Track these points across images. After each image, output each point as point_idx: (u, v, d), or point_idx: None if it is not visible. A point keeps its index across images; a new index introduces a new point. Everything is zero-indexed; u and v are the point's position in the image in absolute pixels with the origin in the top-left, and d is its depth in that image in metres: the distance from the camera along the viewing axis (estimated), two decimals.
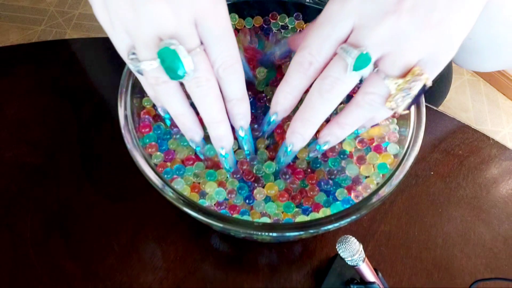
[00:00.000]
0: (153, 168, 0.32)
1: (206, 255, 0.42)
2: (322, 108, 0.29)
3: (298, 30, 0.41)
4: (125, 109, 0.34)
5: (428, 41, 0.26)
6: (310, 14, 0.41)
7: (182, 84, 0.29)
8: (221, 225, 0.29)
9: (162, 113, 0.33)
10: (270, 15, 0.41)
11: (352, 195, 0.34)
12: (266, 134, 0.35)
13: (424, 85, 0.27)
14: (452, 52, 0.27)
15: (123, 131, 0.33)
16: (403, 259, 0.43)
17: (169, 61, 0.26)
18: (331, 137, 0.31)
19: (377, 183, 0.34)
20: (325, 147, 0.32)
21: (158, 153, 0.36)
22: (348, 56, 0.26)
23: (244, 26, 0.41)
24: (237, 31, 0.41)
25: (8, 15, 1.62)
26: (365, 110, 0.28)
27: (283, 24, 0.41)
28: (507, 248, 0.44)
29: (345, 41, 0.27)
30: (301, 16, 0.41)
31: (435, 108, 0.52)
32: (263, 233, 0.29)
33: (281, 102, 0.30)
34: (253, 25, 0.41)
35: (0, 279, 0.40)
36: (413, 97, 0.27)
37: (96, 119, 0.50)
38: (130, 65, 0.28)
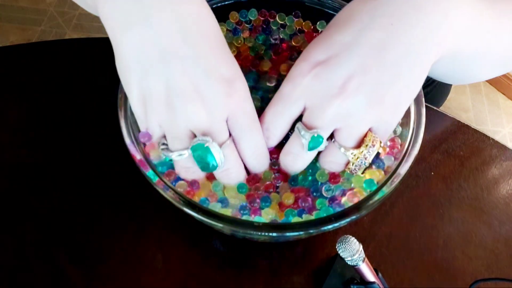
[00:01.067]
0: (154, 168, 0.31)
1: (207, 257, 0.42)
2: (292, 172, 0.32)
3: (297, 29, 0.41)
4: (125, 109, 0.34)
5: (376, 114, 0.28)
6: (310, 13, 0.41)
7: None
8: (221, 225, 0.29)
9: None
10: (268, 14, 0.41)
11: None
12: None
13: (378, 152, 0.30)
14: (400, 115, 0.30)
15: (123, 131, 0.33)
16: (404, 260, 0.43)
17: (202, 156, 0.28)
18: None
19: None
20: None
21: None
22: (302, 138, 0.29)
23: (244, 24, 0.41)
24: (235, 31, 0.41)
25: (7, 15, 1.62)
26: (332, 168, 0.32)
27: (282, 23, 0.41)
28: (509, 250, 0.44)
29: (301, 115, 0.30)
30: (300, 14, 0.41)
31: (435, 108, 0.52)
32: (263, 233, 0.29)
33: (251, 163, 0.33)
34: (252, 24, 0.41)
35: (0, 282, 0.40)
36: (369, 163, 0.30)
37: (96, 120, 0.50)
38: (160, 153, 0.31)
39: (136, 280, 0.41)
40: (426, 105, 0.35)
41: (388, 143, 0.36)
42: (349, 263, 0.34)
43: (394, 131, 0.36)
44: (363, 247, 0.34)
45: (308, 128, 0.29)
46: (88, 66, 0.54)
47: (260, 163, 0.32)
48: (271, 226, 0.30)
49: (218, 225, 0.29)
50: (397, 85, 0.28)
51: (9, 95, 0.51)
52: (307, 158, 0.31)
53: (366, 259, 0.34)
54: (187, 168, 0.30)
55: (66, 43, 0.56)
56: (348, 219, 0.30)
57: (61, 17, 1.62)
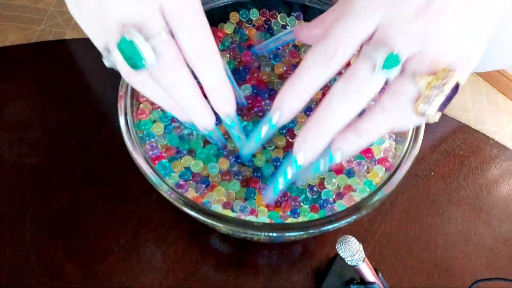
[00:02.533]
0: (153, 168, 0.31)
1: (206, 256, 0.42)
2: (345, 112, 0.25)
3: None
4: (125, 109, 0.34)
5: (458, 44, 0.24)
6: (312, 14, 0.41)
7: None
8: (220, 225, 0.29)
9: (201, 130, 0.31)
10: (269, 14, 0.41)
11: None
12: (261, 142, 0.29)
13: (457, 85, 0.24)
14: (481, 53, 0.25)
15: (122, 130, 0.33)
16: (403, 259, 0.43)
17: (128, 52, 0.24)
18: (347, 146, 0.26)
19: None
20: (337, 159, 0.27)
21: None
22: (377, 55, 0.23)
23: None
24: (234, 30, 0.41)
25: (7, 14, 1.62)
26: (391, 116, 0.25)
27: (283, 23, 0.41)
28: (508, 249, 0.44)
29: (370, 38, 0.25)
30: (302, 16, 0.41)
31: None
32: (263, 233, 0.29)
33: (288, 99, 0.26)
34: (254, 24, 0.41)
35: (0, 280, 0.40)
36: (446, 95, 0.24)
37: (96, 119, 0.50)
38: (105, 61, 0.26)
39: (135, 279, 0.41)
40: None
41: (387, 146, 0.36)
42: (349, 263, 0.34)
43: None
44: (362, 247, 0.34)
45: (385, 45, 0.24)
46: (88, 66, 0.54)
47: (205, 66, 0.26)
48: (271, 226, 0.30)
49: (218, 225, 0.29)
50: (481, 14, 0.24)
51: (9, 95, 0.51)
52: (375, 85, 0.24)
53: (366, 259, 0.34)
54: (128, 70, 0.25)
55: (66, 43, 0.56)
56: (348, 219, 0.30)
57: (61, 17, 1.62)
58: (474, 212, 0.46)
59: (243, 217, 0.33)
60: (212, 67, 0.26)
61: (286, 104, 0.26)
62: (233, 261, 0.42)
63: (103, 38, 0.26)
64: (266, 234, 0.29)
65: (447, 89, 0.23)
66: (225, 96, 0.27)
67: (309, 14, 0.41)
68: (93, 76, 0.54)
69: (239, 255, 0.42)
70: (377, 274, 0.37)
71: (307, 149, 0.26)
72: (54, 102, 0.51)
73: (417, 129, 0.33)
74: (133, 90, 0.35)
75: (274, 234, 0.29)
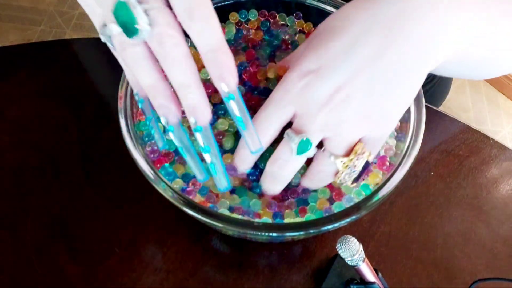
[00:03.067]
0: (154, 168, 0.31)
1: (206, 257, 0.42)
2: (278, 185, 0.32)
3: (298, 30, 0.41)
4: (125, 108, 0.34)
5: (365, 126, 0.29)
6: (311, 14, 0.41)
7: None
8: (220, 225, 0.29)
9: (136, 97, 0.29)
10: (268, 14, 0.41)
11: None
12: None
13: (367, 161, 0.30)
14: (391, 127, 0.30)
15: (123, 131, 0.33)
16: (403, 259, 0.43)
17: (122, 17, 0.23)
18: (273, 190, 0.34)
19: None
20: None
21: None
22: (291, 142, 0.29)
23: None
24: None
25: (7, 15, 1.62)
26: (317, 182, 0.33)
27: (283, 23, 0.41)
28: (507, 249, 0.44)
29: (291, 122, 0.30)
30: (301, 15, 0.41)
31: (435, 108, 0.52)
32: (263, 233, 0.29)
33: (239, 164, 0.33)
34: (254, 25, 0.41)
35: (1, 281, 0.40)
36: (358, 172, 0.30)
37: (96, 120, 0.50)
38: (101, 36, 0.25)
39: (136, 280, 0.41)
40: (426, 105, 0.35)
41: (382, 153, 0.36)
42: (349, 263, 0.34)
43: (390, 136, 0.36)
44: (362, 247, 0.34)
45: (298, 133, 0.29)
46: (88, 67, 0.54)
47: (201, 28, 0.24)
48: (271, 226, 0.30)
49: (218, 225, 0.29)
50: (389, 97, 0.28)
51: (9, 95, 0.52)
52: (295, 164, 0.31)
53: (366, 259, 0.34)
54: (123, 42, 0.24)
55: (66, 43, 0.56)
56: (348, 219, 0.30)
57: (61, 17, 1.62)
58: (474, 212, 0.46)
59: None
60: (211, 28, 0.24)
61: (239, 169, 0.33)
62: (233, 261, 0.42)
63: (100, 14, 0.25)
64: (266, 234, 0.29)
65: (359, 168, 0.30)
66: (224, 61, 0.24)
67: (309, 14, 0.41)
68: (93, 76, 0.54)
69: (239, 255, 0.42)
70: (377, 274, 0.37)
71: (270, 192, 0.34)
72: (54, 102, 0.51)
73: (417, 129, 0.33)
74: (132, 90, 0.35)
75: (274, 234, 0.29)
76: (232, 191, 0.34)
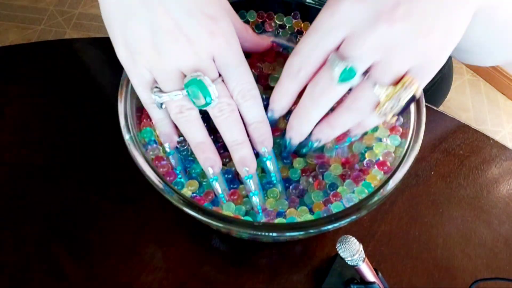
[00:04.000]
0: (154, 168, 0.31)
1: (207, 256, 0.42)
2: (315, 110, 0.30)
3: (295, 30, 0.41)
4: (125, 108, 0.34)
5: (419, 50, 0.26)
6: (311, 14, 0.41)
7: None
8: (221, 225, 0.29)
9: (168, 149, 0.34)
10: (266, 15, 0.41)
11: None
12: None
13: (414, 96, 0.27)
14: (443, 60, 0.27)
15: (123, 131, 0.33)
16: (403, 259, 0.43)
17: (196, 90, 0.28)
18: (322, 136, 0.32)
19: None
20: (316, 144, 0.33)
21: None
22: (333, 69, 0.27)
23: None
24: None
25: (7, 14, 1.62)
26: (354, 115, 0.30)
27: (280, 23, 0.41)
28: (508, 248, 0.44)
29: (337, 48, 0.27)
30: (299, 15, 0.41)
31: (435, 108, 0.52)
32: (263, 233, 0.29)
33: (276, 102, 0.32)
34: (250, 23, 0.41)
35: (1, 280, 0.40)
36: (401, 107, 0.28)
37: (96, 120, 0.50)
38: (153, 97, 0.30)
39: (136, 279, 0.41)
40: (426, 105, 0.35)
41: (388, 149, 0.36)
42: (349, 263, 0.34)
43: (398, 118, 0.36)
44: (362, 246, 0.34)
45: (343, 58, 0.26)
46: (88, 66, 0.54)
47: (249, 105, 0.31)
48: (271, 226, 0.30)
49: (218, 225, 0.29)
50: (444, 20, 0.25)
51: (9, 95, 0.51)
52: (336, 92, 0.28)
53: (366, 259, 0.34)
54: (181, 106, 0.30)
55: (66, 43, 0.56)
56: (348, 219, 0.30)
57: (61, 16, 1.62)
58: (474, 211, 0.46)
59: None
60: (256, 105, 0.31)
61: (273, 106, 0.32)
62: (233, 261, 0.42)
63: (149, 80, 0.30)
64: (266, 234, 0.29)
65: (403, 102, 0.27)
66: (265, 131, 0.32)
67: (308, 13, 0.41)
68: (93, 76, 0.54)
69: (239, 255, 0.42)
70: (377, 274, 0.37)
71: (293, 135, 0.32)
72: (55, 102, 0.51)
73: (418, 129, 0.33)
74: (133, 90, 0.35)
75: (274, 234, 0.29)
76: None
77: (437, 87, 0.66)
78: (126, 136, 0.33)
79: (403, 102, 0.27)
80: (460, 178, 0.48)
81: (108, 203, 0.45)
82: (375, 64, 0.27)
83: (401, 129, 0.36)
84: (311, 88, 0.29)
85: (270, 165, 0.34)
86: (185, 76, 0.29)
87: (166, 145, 0.34)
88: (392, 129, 0.36)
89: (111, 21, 0.29)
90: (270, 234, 0.29)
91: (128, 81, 0.34)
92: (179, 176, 0.34)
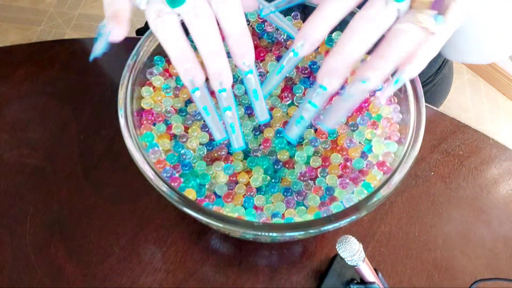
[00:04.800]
0: (153, 168, 0.31)
1: (206, 257, 0.42)
2: (363, 38, 0.27)
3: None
4: (125, 108, 0.34)
5: None
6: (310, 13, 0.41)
7: None
8: (221, 225, 0.29)
9: (190, 87, 0.30)
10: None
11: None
12: (282, 75, 0.31)
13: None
14: None
15: (122, 131, 0.33)
16: (403, 259, 0.43)
17: None
18: (373, 72, 0.27)
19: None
20: (371, 84, 0.27)
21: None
22: None
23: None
24: None
25: (7, 15, 1.62)
26: (405, 38, 0.27)
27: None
28: (508, 249, 0.44)
29: None
30: (299, 16, 0.41)
31: (435, 108, 0.52)
32: (263, 233, 0.29)
33: (311, 29, 0.28)
34: (250, 26, 0.41)
35: (1, 281, 0.40)
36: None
37: (96, 120, 0.50)
38: (136, 4, 0.28)
39: (135, 280, 0.41)
40: (426, 105, 0.35)
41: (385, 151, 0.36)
42: (349, 263, 0.34)
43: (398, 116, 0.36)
44: (362, 247, 0.34)
45: None
46: (88, 66, 0.54)
47: (228, 13, 0.28)
48: (271, 226, 0.30)
49: (218, 225, 0.29)
50: None
51: (9, 95, 0.51)
52: (389, 15, 0.27)
53: (366, 259, 0.34)
54: (159, 10, 0.27)
55: (66, 44, 0.56)
56: (348, 219, 0.30)
57: (61, 17, 1.62)
58: (474, 212, 0.46)
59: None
60: (236, 13, 0.28)
61: (309, 32, 0.28)
62: (233, 261, 0.42)
63: None
64: (266, 234, 0.29)
65: None
66: (246, 42, 0.29)
67: (308, 14, 0.41)
68: (93, 76, 0.54)
69: (239, 255, 0.42)
70: (377, 274, 0.37)
71: (333, 74, 0.28)
72: (54, 102, 0.51)
73: (417, 129, 0.33)
74: (132, 88, 0.35)
75: (274, 234, 0.29)
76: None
77: (437, 87, 0.66)
78: (126, 136, 0.33)
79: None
80: (459, 179, 0.48)
81: (107, 203, 0.44)
82: None
83: (398, 126, 0.36)
84: (364, 12, 0.27)
85: (251, 78, 0.30)
86: None
87: (188, 80, 0.30)
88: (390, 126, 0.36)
89: None
90: (270, 234, 0.29)
91: (128, 81, 0.35)
92: (208, 115, 0.31)
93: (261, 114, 0.31)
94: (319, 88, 0.28)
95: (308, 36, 0.28)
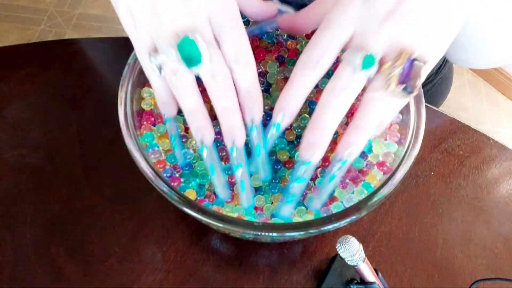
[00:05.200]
0: (153, 168, 0.31)
1: (206, 256, 0.42)
2: (338, 109, 0.28)
3: None
4: (125, 108, 0.34)
5: (424, 40, 0.27)
6: None
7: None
8: (221, 225, 0.29)
9: (165, 117, 0.33)
10: None
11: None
12: (269, 146, 0.32)
13: (412, 60, 0.27)
14: (441, 53, 0.29)
15: (123, 131, 0.33)
16: (403, 259, 0.43)
17: (187, 49, 0.27)
18: (353, 146, 0.28)
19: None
20: (351, 158, 0.29)
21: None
22: (355, 58, 0.27)
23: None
24: None
25: (7, 15, 1.62)
26: (378, 106, 0.28)
27: None
28: (508, 249, 0.44)
29: (346, 45, 0.29)
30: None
31: (435, 108, 0.52)
32: (263, 233, 0.29)
33: (288, 102, 0.29)
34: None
35: (1, 281, 0.40)
36: (401, 66, 0.27)
37: (96, 120, 0.50)
38: (150, 61, 0.29)
39: (136, 280, 0.41)
40: (426, 105, 0.35)
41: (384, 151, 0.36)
42: (349, 263, 0.34)
43: (398, 116, 0.36)
44: (363, 247, 0.34)
45: (360, 49, 0.27)
46: (88, 66, 0.54)
47: (242, 70, 0.30)
48: (271, 226, 0.30)
49: (218, 225, 0.29)
50: (444, 16, 0.28)
51: (9, 95, 0.51)
52: (358, 83, 0.28)
53: (366, 259, 0.34)
54: (175, 70, 0.29)
55: (66, 43, 0.56)
56: (348, 219, 0.30)
57: (61, 17, 1.62)
58: (474, 212, 0.46)
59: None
60: (250, 71, 0.30)
61: (285, 105, 0.30)
62: (233, 261, 0.42)
63: (150, 46, 0.30)
64: (266, 234, 0.29)
65: (400, 62, 0.27)
66: (255, 98, 0.30)
67: None
68: (93, 76, 0.54)
69: (239, 255, 0.42)
70: (377, 274, 0.37)
71: (314, 148, 0.28)
72: (54, 102, 0.51)
73: (417, 129, 0.33)
74: (132, 88, 0.35)
75: (274, 234, 0.29)
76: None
77: (437, 88, 0.66)
78: (126, 136, 0.33)
79: (400, 63, 0.27)
80: (460, 178, 0.48)
81: (107, 202, 0.45)
82: (385, 55, 0.28)
83: (398, 126, 0.36)
84: (333, 84, 0.28)
85: (255, 136, 0.31)
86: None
87: (163, 113, 0.33)
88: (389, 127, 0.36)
89: None
90: (270, 234, 0.29)
91: (128, 81, 0.35)
92: (173, 143, 0.33)
93: (263, 171, 0.32)
94: (303, 165, 0.29)
95: (286, 109, 0.29)
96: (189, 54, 0.27)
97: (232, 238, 0.43)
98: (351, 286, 0.38)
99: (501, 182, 0.48)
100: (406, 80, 0.27)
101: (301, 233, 0.29)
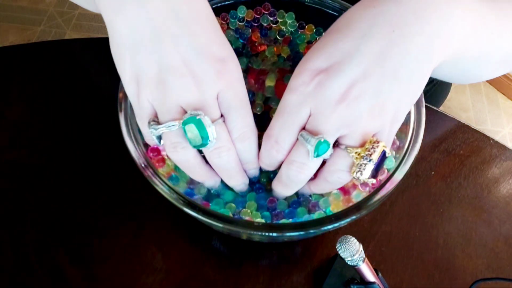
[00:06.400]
0: (153, 168, 0.31)
1: (206, 257, 0.42)
2: (292, 188, 0.32)
3: (297, 24, 0.41)
4: (125, 108, 0.34)
5: (378, 120, 0.28)
6: (309, 14, 0.41)
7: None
8: (221, 225, 0.29)
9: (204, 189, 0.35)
10: (262, 6, 0.41)
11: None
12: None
13: (384, 152, 0.29)
14: (401, 120, 0.30)
15: (123, 131, 0.33)
16: (404, 259, 0.43)
17: (194, 130, 0.28)
18: (305, 192, 0.35)
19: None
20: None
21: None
22: (308, 144, 0.28)
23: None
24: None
25: (7, 15, 1.62)
26: (333, 184, 0.31)
27: (281, 20, 0.41)
28: (509, 248, 0.44)
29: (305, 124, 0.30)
30: (293, 15, 0.41)
31: (435, 108, 0.52)
32: (263, 233, 0.29)
33: (268, 163, 0.32)
34: (245, 19, 0.41)
35: (1, 281, 0.40)
36: (374, 163, 0.29)
37: (96, 120, 0.50)
38: (149, 130, 0.30)
39: (136, 280, 0.41)
40: (426, 105, 0.35)
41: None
42: (349, 263, 0.34)
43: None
44: (363, 247, 0.34)
45: (313, 134, 0.28)
46: (88, 66, 0.54)
47: (246, 147, 0.31)
48: (271, 226, 0.30)
49: (218, 225, 0.29)
50: (397, 92, 0.28)
51: (9, 95, 0.51)
52: (312, 167, 0.30)
53: (366, 259, 0.34)
54: (175, 143, 0.29)
55: (66, 43, 0.56)
56: (348, 219, 0.30)
57: (61, 17, 1.62)
58: (475, 211, 0.46)
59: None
60: (251, 148, 0.32)
61: (268, 163, 0.32)
62: (233, 261, 0.42)
63: (151, 114, 0.30)
64: (266, 234, 0.29)
65: (375, 158, 0.28)
66: (253, 170, 0.34)
67: (307, 13, 0.41)
68: (93, 76, 0.54)
69: (239, 255, 0.42)
70: (377, 274, 0.36)
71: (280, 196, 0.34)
72: (54, 102, 0.51)
73: (418, 129, 0.33)
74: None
75: (274, 234, 0.29)
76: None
77: (437, 88, 0.66)
78: (126, 137, 0.33)
79: (375, 158, 0.28)
80: (460, 178, 0.48)
81: (107, 203, 0.44)
82: (342, 136, 0.29)
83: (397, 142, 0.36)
84: (287, 168, 0.30)
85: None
86: (185, 112, 0.28)
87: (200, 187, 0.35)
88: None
89: (121, 52, 0.29)
90: (270, 234, 0.29)
91: None
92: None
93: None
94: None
95: (269, 166, 0.32)
96: (195, 134, 0.28)
97: (232, 238, 0.43)
98: (351, 286, 0.38)
99: (501, 181, 0.48)
100: (376, 174, 0.29)
101: (301, 233, 0.29)
